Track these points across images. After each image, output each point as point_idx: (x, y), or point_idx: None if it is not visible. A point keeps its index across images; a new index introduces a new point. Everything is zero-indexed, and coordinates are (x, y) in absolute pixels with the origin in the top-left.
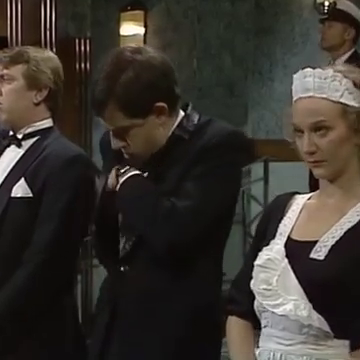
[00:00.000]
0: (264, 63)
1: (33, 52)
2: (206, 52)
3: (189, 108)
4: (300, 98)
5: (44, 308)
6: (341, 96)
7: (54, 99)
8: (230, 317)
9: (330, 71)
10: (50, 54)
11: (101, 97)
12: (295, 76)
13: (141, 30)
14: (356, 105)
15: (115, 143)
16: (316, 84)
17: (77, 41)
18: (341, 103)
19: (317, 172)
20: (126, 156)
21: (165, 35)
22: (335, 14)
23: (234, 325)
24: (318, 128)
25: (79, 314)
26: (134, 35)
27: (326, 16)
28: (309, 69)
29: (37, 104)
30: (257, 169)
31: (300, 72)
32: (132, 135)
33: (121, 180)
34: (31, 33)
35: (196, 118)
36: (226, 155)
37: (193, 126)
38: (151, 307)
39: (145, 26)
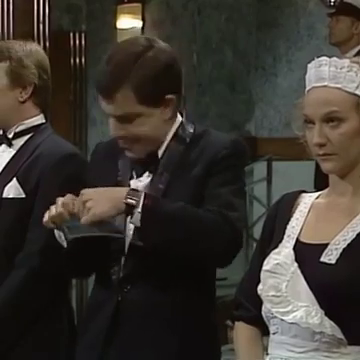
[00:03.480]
0: (267, 58)
1: (15, 47)
2: (206, 46)
3: (183, 116)
4: (313, 87)
5: (38, 312)
6: (357, 88)
7: (41, 95)
8: (237, 323)
9: (347, 61)
10: (33, 47)
11: (116, 78)
12: (309, 65)
13: (139, 23)
14: None
15: (115, 130)
16: (331, 73)
17: (71, 35)
18: (356, 95)
19: (326, 166)
20: (125, 149)
21: (163, 28)
22: (343, 8)
23: (242, 331)
24: (330, 119)
25: (74, 318)
26: (131, 28)
27: (333, 10)
28: (325, 57)
29: (23, 102)
30: (260, 169)
31: (315, 61)
32: (137, 124)
33: (140, 206)
34: (23, 26)
35: (192, 127)
36: (239, 164)
37: (190, 135)
38: (152, 323)
39: (143, 19)
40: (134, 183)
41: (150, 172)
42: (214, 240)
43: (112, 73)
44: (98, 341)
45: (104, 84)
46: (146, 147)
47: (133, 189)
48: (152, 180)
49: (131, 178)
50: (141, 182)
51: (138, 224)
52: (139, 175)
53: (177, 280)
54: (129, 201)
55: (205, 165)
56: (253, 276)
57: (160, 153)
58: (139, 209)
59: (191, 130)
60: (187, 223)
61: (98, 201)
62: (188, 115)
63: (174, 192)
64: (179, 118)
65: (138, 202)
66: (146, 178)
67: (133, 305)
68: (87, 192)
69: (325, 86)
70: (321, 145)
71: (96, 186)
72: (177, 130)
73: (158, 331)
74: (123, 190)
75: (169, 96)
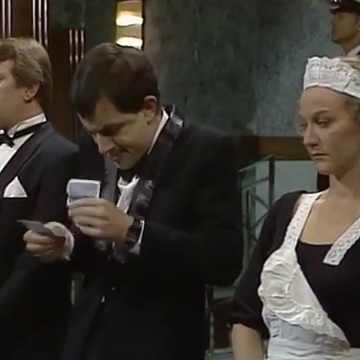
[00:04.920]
0: (269, 55)
1: (18, 45)
2: (208, 44)
3: (172, 112)
4: (307, 88)
5: (39, 312)
6: (346, 86)
7: (45, 93)
8: (236, 325)
9: (337, 60)
10: (35, 44)
11: (91, 91)
12: (306, 65)
13: (139, 20)
14: None
15: (104, 145)
16: (321, 73)
17: (70, 32)
18: (345, 94)
19: (319, 166)
20: (114, 161)
21: (164, 26)
22: (346, 4)
23: (240, 334)
24: (320, 119)
25: None
26: (131, 26)
27: (337, 6)
28: (316, 58)
29: (28, 101)
30: (262, 168)
31: (308, 61)
32: (123, 134)
33: (138, 242)
34: (21, 24)
35: (180, 122)
36: (231, 166)
37: (178, 131)
38: (138, 322)
39: (143, 16)
40: (120, 185)
41: (138, 175)
42: (215, 268)
43: (86, 87)
44: (80, 341)
45: (80, 100)
46: (136, 155)
47: (134, 225)
48: (140, 182)
49: (118, 178)
50: (128, 185)
51: (137, 253)
52: (127, 179)
53: (165, 283)
54: (130, 239)
55: (194, 166)
56: (252, 277)
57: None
58: (139, 243)
59: (179, 125)
60: (187, 255)
61: (109, 226)
62: (178, 111)
63: (162, 195)
64: (165, 116)
65: (137, 239)
66: (134, 180)
67: (116, 307)
68: (105, 208)
69: (316, 86)
70: (313, 145)
71: (86, 175)
72: (164, 127)
73: (142, 334)
74: (127, 223)
75: (148, 97)
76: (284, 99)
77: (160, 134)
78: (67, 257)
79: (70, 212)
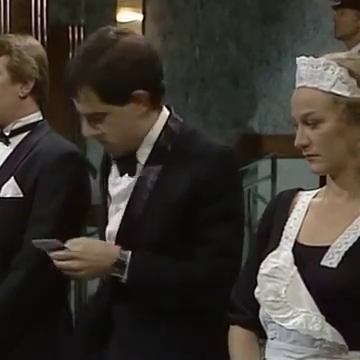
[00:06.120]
0: (272, 52)
1: (15, 41)
2: (209, 40)
3: (172, 113)
4: (296, 88)
5: (36, 314)
6: (332, 86)
7: (41, 91)
8: (232, 327)
9: (323, 59)
10: (32, 41)
11: (76, 74)
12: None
13: (139, 16)
14: (348, 95)
15: (87, 130)
16: (308, 73)
17: (70, 28)
18: (332, 93)
19: (312, 167)
20: (103, 145)
21: (165, 22)
22: (347, 0)
23: (237, 336)
24: (309, 120)
25: (73, 319)
26: (132, 22)
27: (338, 2)
28: (303, 57)
29: (23, 98)
30: (264, 166)
31: (296, 60)
32: (107, 123)
33: (124, 278)
34: (20, 20)
35: (178, 126)
36: (230, 183)
37: (176, 134)
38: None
39: (143, 12)
40: (111, 185)
41: (129, 175)
42: (205, 299)
43: (74, 70)
44: (85, 341)
45: (67, 82)
46: (124, 145)
47: (119, 260)
48: (136, 186)
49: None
50: (119, 185)
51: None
52: (120, 174)
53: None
54: (115, 274)
55: (191, 179)
56: (249, 278)
57: (142, 154)
58: (125, 278)
59: (179, 126)
60: (176, 288)
61: (90, 269)
62: (176, 112)
63: (157, 207)
64: (165, 113)
65: (123, 274)
66: (126, 179)
67: (122, 310)
68: (76, 249)
69: (304, 86)
70: (304, 146)
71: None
72: (164, 127)
73: (147, 331)
74: (112, 258)
75: (138, 92)
76: (286, 96)
77: (160, 134)
78: None
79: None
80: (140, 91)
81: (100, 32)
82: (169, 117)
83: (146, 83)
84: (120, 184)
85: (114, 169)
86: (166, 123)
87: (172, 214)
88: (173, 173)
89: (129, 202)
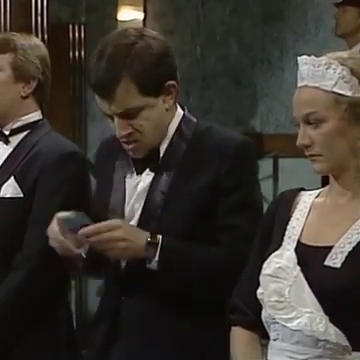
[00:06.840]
0: (273, 51)
1: (20, 40)
2: (210, 39)
3: (185, 111)
4: (298, 88)
5: (37, 315)
6: (334, 85)
7: (43, 91)
8: (234, 328)
9: (324, 58)
10: (36, 41)
11: (113, 72)
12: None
13: (140, 15)
14: (349, 94)
15: (121, 129)
16: (310, 72)
17: (71, 27)
18: (334, 92)
19: (315, 167)
20: (129, 150)
21: (166, 20)
22: None
23: (239, 337)
24: (311, 120)
25: (73, 321)
26: (132, 20)
27: (340, 0)
28: (305, 56)
29: (25, 97)
30: (266, 166)
31: (298, 59)
32: (143, 118)
33: (156, 258)
34: (21, 19)
35: (193, 123)
36: (251, 172)
37: (192, 130)
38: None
39: (144, 11)
40: (132, 181)
41: (151, 170)
42: (228, 285)
43: (107, 68)
44: (97, 349)
45: (102, 81)
46: (150, 142)
47: (151, 240)
48: (154, 180)
49: (131, 173)
50: (140, 180)
51: (155, 268)
52: (139, 172)
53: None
54: (148, 256)
55: (212, 172)
56: (251, 279)
57: (162, 150)
58: (156, 259)
59: (193, 125)
60: (205, 272)
61: (129, 246)
62: (190, 110)
63: (177, 199)
64: (180, 111)
65: (155, 255)
66: (146, 176)
67: (131, 313)
68: (122, 229)
69: (306, 86)
70: (306, 146)
71: (98, 187)
72: (179, 124)
73: (159, 334)
74: (144, 239)
75: (169, 82)
76: (288, 95)
77: (176, 131)
78: (83, 254)
79: (84, 239)
80: (171, 82)
81: (120, 31)
82: (184, 112)
83: (173, 74)
84: (141, 182)
85: (120, 168)
86: (183, 116)
87: (192, 205)
88: (191, 166)
89: (148, 194)
